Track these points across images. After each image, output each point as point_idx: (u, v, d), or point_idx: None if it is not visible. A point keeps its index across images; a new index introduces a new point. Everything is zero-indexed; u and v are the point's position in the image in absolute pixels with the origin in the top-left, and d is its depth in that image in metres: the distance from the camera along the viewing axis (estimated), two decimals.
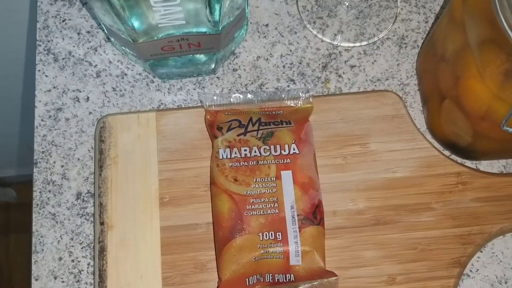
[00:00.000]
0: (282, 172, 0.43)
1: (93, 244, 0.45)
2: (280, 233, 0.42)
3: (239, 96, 0.47)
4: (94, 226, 0.45)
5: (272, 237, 0.42)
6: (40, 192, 0.47)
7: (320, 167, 0.45)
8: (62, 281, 0.44)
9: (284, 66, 0.50)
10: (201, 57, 0.47)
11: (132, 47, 0.43)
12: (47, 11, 0.52)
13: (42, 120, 0.49)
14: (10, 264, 1.14)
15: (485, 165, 0.48)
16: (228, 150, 0.44)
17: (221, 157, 0.44)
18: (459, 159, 0.48)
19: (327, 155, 0.46)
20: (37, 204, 0.46)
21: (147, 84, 0.50)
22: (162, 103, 0.49)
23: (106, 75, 0.50)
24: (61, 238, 0.46)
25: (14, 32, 0.69)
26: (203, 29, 0.42)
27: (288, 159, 0.44)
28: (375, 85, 0.50)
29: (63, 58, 0.51)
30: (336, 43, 0.51)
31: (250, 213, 0.42)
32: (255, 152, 0.44)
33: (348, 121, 0.47)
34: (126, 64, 0.50)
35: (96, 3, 0.40)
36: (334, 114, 0.47)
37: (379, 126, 0.47)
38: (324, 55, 0.51)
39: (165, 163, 0.46)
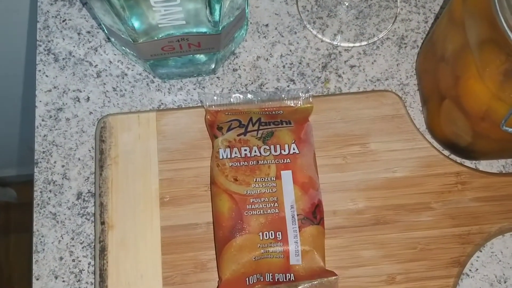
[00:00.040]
0: (282, 172, 0.43)
1: (93, 244, 0.45)
2: (280, 233, 0.42)
3: (239, 96, 0.47)
4: (94, 226, 0.45)
5: (272, 236, 0.42)
6: (41, 192, 0.47)
7: (320, 167, 0.46)
8: (63, 281, 0.45)
9: (284, 66, 0.51)
10: (201, 57, 0.47)
11: (132, 47, 0.44)
12: (47, 11, 0.52)
13: (42, 120, 0.49)
14: (10, 264, 1.14)
15: (484, 165, 0.48)
16: (228, 150, 0.44)
17: (221, 157, 0.44)
18: (459, 159, 0.48)
19: (327, 155, 0.46)
20: (38, 204, 0.46)
21: (147, 84, 0.50)
22: (162, 103, 0.49)
23: (106, 75, 0.50)
24: (62, 238, 0.46)
25: (14, 32, 0.69)
26: (203, 29, 0.42)
27: (288, 159, 0.44)
28: (375, 85, 0.50)
29: (63, 58, 0.51)
30: (336, 43, 0.51)
31: (250, 212, 0.42)
32: (255, 152, 0.44)
33: (348, 121, 0.47)
34: (126, 64, 0.51)
35: (96, 3, 0.40)
36: (334, 114, 0.48)
37: (378, 126, 0.47)
38: (324, 55, 0.51)
39: (165, 163, 0.46)
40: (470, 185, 0.46)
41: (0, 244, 1.15)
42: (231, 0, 0.41)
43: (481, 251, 0.46)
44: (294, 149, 0.44)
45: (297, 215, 0.42)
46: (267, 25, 0.52)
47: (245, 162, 0.44)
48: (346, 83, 0.50)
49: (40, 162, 0.48)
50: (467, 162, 0.48)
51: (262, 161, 0.44)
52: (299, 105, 0.47)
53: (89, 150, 0.48)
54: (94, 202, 0.46)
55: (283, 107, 0.47)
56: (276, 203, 0.42)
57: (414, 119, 0.49)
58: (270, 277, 0.41)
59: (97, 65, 0.50)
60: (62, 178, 0.47)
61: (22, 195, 1.16)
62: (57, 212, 0.46)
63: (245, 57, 0.51)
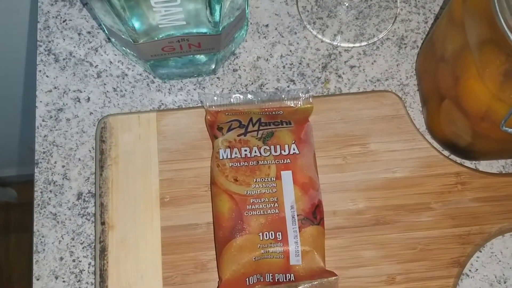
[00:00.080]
0: (282, 172, 0.43)
1: (94, 244, 0.45)
2: (280, 233, 0.42)
3: (239, 97, 0.47)
4: (95, 226, 0.45)
5: (272, 237, 0.42)
6: (41, 192, 0.47)
7: (320, 167, 0.46)
8: (63, 281, 0.45)
9: (284, 67, 0.51)
10: (202, 57, 0.47)
11: (133, 47, 0.44)
12: (48, 11, 0.52)
13: (43, 121, 0.49)
14: (10, 264, 1.14)
15: (484, 165, 0.48)
16: (228, 150, 0.44)
17: (221, 157, 0.44)
18: (459, 159, 0.48)
19: (327, 155, 0.46)
20: (38, 204, 0.46)
21: (148, 84, 0.50)
22: (162, 104, 0.49)
23: (106, 76, 0.50)
24: (62, 238, 0.46)
25: (15, 33, 0.69)
26: (204, 30, 0.42)
27: (288, 159, 0.44)
28: (375, 86, 0.50)
29: (64, 59, 0.51)
30: (336, 44, 0.51)
31: (250, 213, 0.42)
32: (255, 152, 0.44)
33: (348, 121, 0.47)
34: (126, 65, 0.51)
35: (96, 4, 0.40)
36: (334, 114, 0.48)
37: (378, 126, 0.47)
38: (324, 56, 0.51)
39: (165, 163, 0.46)
40: (470, 186, 0.46)
41: (0, 244, 1.15)
42: (231, 0, 0.41)
43: (481, 252, 0.46)
44: (294, 149, 0.44)
45: (297, 215, 0.42)
46: (267, 25, 0.52)
47: (245, 162, 0.44)
48: (346, 84, 0.50)
49: (41, 162, 0.48)
50: (467, 163, 0.48)
51: (262, 161, 0.44)
52: (299, 105, 0.47)
53: (90, 151, 0.48)
54: (95, 202, 0.46)
55: (283, 108, 0.47)
56: (276, 204, 0.43)
57: (414, 120, 0.49)
58: (270, 277, 0.41)
59: (97, 65, 0.51)
60: (63, 179, 0.47)
61: (23, 195, 1.16)
62: (57, 212, 0.46)
63: (245, 58, 0.51)
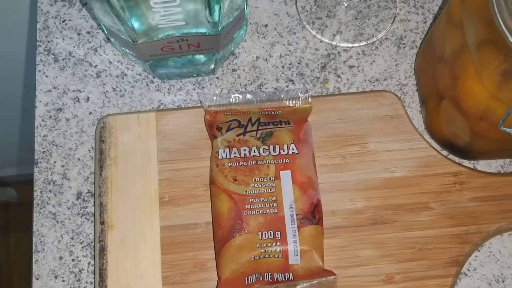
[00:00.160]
0: (281, 172, 0.44)
1: (93, 244, 0.46)
2: (279, 233, 0.42)
3: (239, 97, 0.47)
4: (94, 226, 0.45)
5: (271, 236, 0.42)
6: (40, 191, 0.47)
7: (319, 167, 0.46)
8: (63, 280, 0.45)
9: (283, 67, 0.51)
10: (201, 57, 0.47)
11: (132, 47, 0.44)
12: (47, 11, 0.52)
13: (42, 120, 0.49)
14: (10, 264, 1.14)
15: (482, 165, 0.48)
16: (227, 150, 0.44)
17: (220, 157, 0.44)
18: (457, 159, 0.48)
19: (326, 155, 0.47)
20: (38, 204, 0.47)
21: (147, 84, 0.50)
22: (162, 103, 0.50)
23: (106, 76, 0.50)
24: (62, 238, 0.46)
25: (14, 33, 0.69)
26: (203, 30, 0.42)
27: (287, 159, 0.44)
28: (374, 85, 0.50)
29: (63, 59, 0.51)
30: (335, 44, 0.51)
31: (249, 212, 0.42)
32: (254, 152, 0.44)
33: (346, 121, 0.47)
34: (126, 65, 0.51)
35: (96, 4, 0.40)
36: (333, 114, 0.48)
37: (377, 126, 0.47)
38: (323, 56, 0.51)
39: (165, 163, 0.46)
40: (468, 185, 0.46)
41: (0, 244, 1.15)
42: (231, 0, 0.41)
43: (479, 251, 0.46)
44: (293, 149, 0.45)
45: (296, 215, 0.42)
46: (266, 25, 0.52)
47: (244, 162, 0.44)
48: (345, 83, 0.50)
49: (40, 162, 0.48)
50: (466, 162, 0.48)
51: (261, 161, 0.44)
52: (298, 105, 0.47)
53: (89, 150, 0.48)
54: (94, 202, 0.46)
55: (282, 107, 0.47)
56: (275, 203, 0.43)
57: (413, 119, 0.49)
58: (269, 276, 0.41)
59: (97, 65, 0.51)
60: (62, 178, 0.47)
61: (22, 195, 1.16)
62: (57, 212, 0.46)
63: (245, 58, 0.51)
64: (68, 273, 0.45)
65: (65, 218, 0.46)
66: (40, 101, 0.49)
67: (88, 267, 0.45)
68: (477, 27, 0.38)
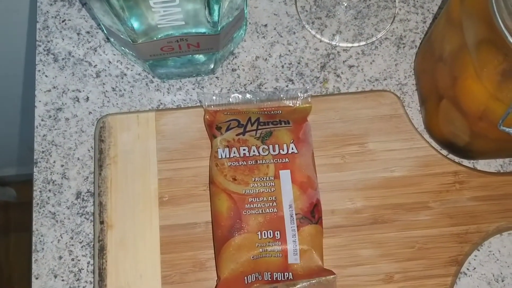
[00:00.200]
0: (280, 171, 0.44)
1: (93, 243, 0.46)
2: (278, 232, 0.42)
3: (238, 96, 0.47)
4: (94, 225, 0.45)
5: (270, 236, 0.42)
6: (40, 191, 0.47)
7: (319, 166, 0.46)
8: (62, 280, 0.45)
9: (282, 66, 0.51)
10: (200, 57, 0.47)
11: (132, 47, 0.44)
12: (47, 11, 0.52)
13: (42, 120, 0.49)
14: (10, 263, 1.14)
15: (482, 165, 0.48)
16: (227, 149, 0.44)
17: (220, 157, 0.44)
18: (457, 159, 0.48)
19: (325, 154, 0.47)
20: (37, 204, 0.47)
21: (147, 84, 0.50)
22: (161, 103, 0.50)
23: (105, 75, 0.50)
24: (61, 237, 0.46)
25: (14, 32, 0.69)
26: (202, 30, 0.42)
27: (287, 159, 0.44)
28: (373, 85, 0.50)
29: (63, 58, 0.51)
30: (335, 43, 0.51)
31: (248, 212, 0.42)
32: (253, 151, 0.44)
33: (346, 120, 0.47)
34: (125, 64, 0.51)
35: (95, 4, 0.40)
36: (333, 114, 0.48)
37: (377, 126, 0.47)
38: (322, 55, 0.51)
39: (164, 162, 0.46)
40: (468, 185, 0.46)
41: (0, 244, 1.15)
42: (230, 0, 0.41)
43: (478, 250, 0.46)
44: (292, 148, 0.45)
45: (296, 214, 0.42)
46: (266, 25, 0.52)
47: (244, 161, 0.44)
48: (344, 83, 0.50)
49: (40, 161, 0.48)
50: (465, 162, 0.48)
51: (261, 160, 0.44)
52: (297, 105, 0.47)
53: (88, 150, 0.48)
54: (93, 201, 0.46)
55: (282, 107, 0.47)
56: (274, 203, 0.43)
57: (412, 119, 0.49)
58: (269, 276, 0.41)
59: (96, 65, 0.51)
60: (62, 178, 0.47)
61: (22, 195, 1.16)
62: (56, 211, 0.46)
63: (244, 57, 0.51)
64: (67, 273, 0.45)
65: (64, 218, 0.46)
66: (40, 101, 0.50)
67: (87, 266, 0.45)
68: (476, 27, 0.38)
